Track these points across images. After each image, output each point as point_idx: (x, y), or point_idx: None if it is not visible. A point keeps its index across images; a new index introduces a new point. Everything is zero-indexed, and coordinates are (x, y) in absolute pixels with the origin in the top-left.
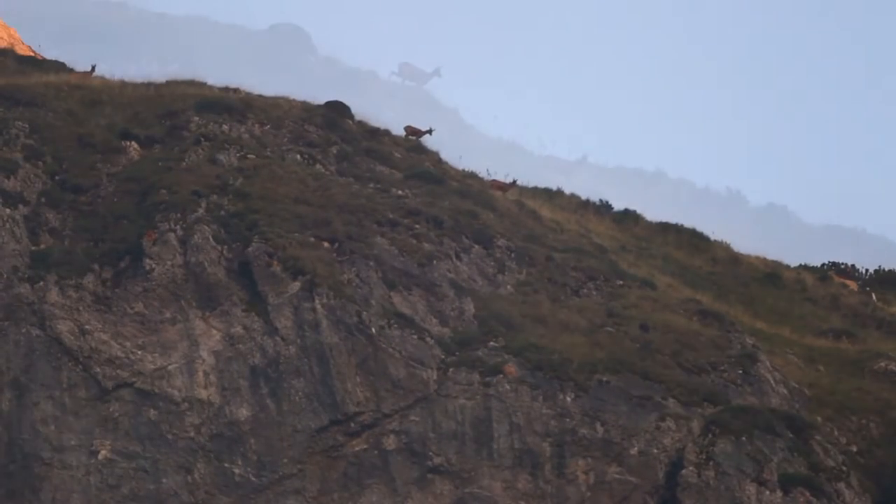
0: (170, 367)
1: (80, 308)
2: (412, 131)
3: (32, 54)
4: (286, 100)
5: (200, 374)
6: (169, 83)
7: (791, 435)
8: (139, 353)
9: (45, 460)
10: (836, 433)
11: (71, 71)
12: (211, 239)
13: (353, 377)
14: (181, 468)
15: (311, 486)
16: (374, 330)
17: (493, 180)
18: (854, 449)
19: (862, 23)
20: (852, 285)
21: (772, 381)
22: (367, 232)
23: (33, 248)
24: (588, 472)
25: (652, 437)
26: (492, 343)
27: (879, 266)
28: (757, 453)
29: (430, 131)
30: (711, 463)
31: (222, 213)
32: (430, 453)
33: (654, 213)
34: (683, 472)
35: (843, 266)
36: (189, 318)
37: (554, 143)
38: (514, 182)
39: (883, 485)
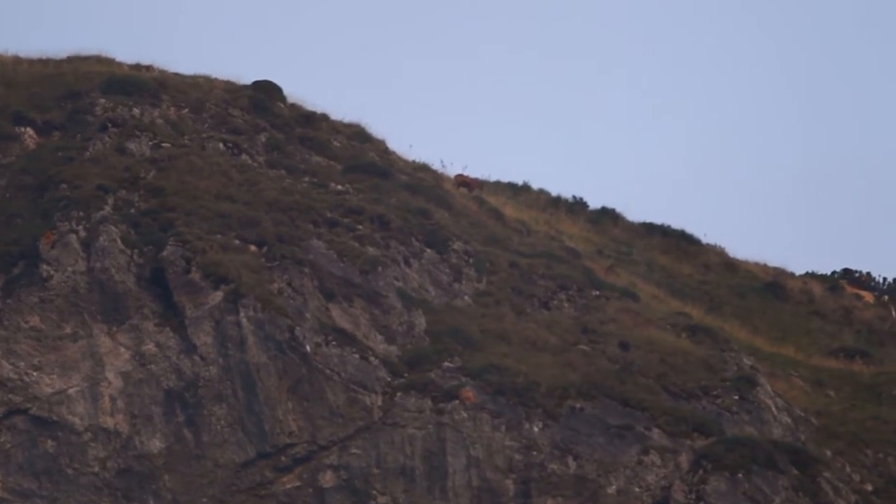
0: (70, 391)
1: None
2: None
3: None
4: (207, 79)
5: (106, 398)
6: (71, 59)
7: (796, 471)
8: (34, 374)
9: None
10: (848, 469)
11: None
12: (119, 241)
13: (284, 403)
14: None
15: None
16: (308, 348)
17: (459, 175)
18: (869, 488)
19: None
20: (867, 297)
21: (773, 409)
22: (302, 233)
23: None
24: None
25: (633, 473)
26: (446, 363)
27: None
28: (756, 492)
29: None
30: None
31: (132, 211)
32: (374, 492)
33: None
34: None
35: (856, 274)
36: (93, 334)
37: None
38: (482, 183)
39: None
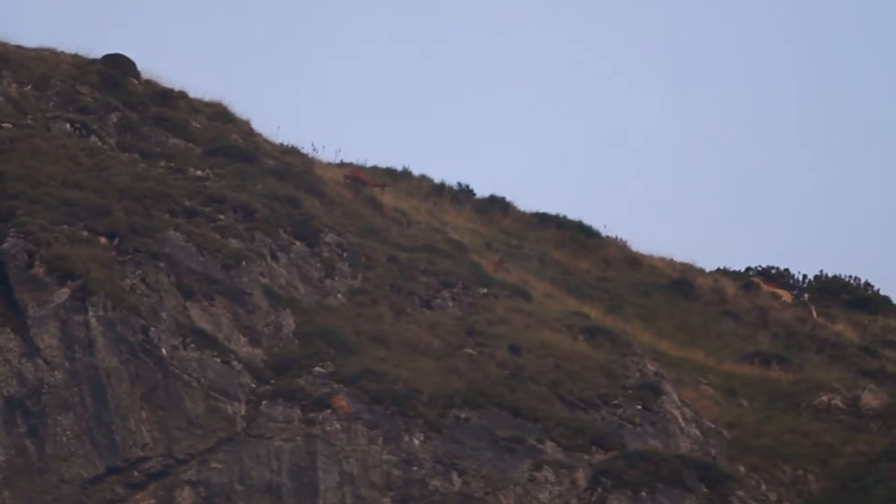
0: None
1: None
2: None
3: None
4: (53, 52)
5: None
6: None
7: (705, 489)
8: None
9: None
10: (763, 487)
11: None
12: None
13: (137, 412)
14: None
15: None
16: (164, 351)
17: (354, 169)
18: None
19: None
20: (785, 296)
21: (680, 420)
22: (157, 224)
23: None
24: None
25: (524, 490)
26: (317, 368)
27: (821, 271)
28: None
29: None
30: None
31: None
32: None
33: None
34: None
35: (773, 271)
36: None
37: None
38: (380, 182)
39: None
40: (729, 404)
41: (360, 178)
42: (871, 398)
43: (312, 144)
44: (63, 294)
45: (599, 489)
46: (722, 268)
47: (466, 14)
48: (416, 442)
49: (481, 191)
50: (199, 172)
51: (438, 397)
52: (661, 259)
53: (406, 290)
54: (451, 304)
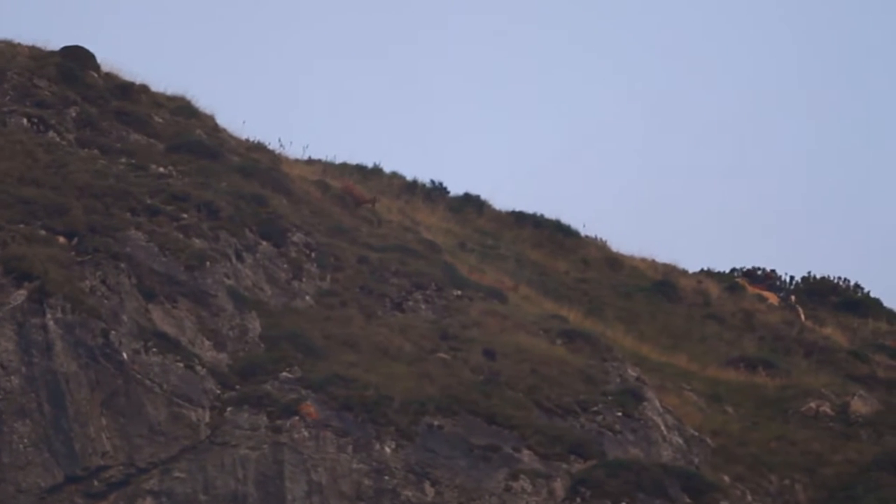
0: None
1: None
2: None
3: None
4: (9, 44)
5: None
6: None
7: (688, 499)
8: None
9: None
10: (749, 497)
11: None
12: None
13: (97, 419)
14: None
15: None
16: (125, 355)
17: (350, 187)
18: None
19: None
20: (772, 298)
21: (662, 427)
22: (118, 223)
23: None
24: None
25: (500, 501)
26: (285, 374)
27: (808, 272)
28: None
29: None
30: None
31: None
32: None
33: None
34: None
35: (759, 272)
36: None
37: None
38: (371, 199)
39: None
40: (713, 411)
41: (352, 194)
42: (860, 405)
43: (279, 140)
44: (20, 296)
45: (578, 499)
46: (706, 269)
47: (437, 7)
48: (388, 450)
49: (455, 189)
50: (161, 169)
51: (410, 404)
52: (643, 260)
53: (377, 291)
54: (423, 306)
